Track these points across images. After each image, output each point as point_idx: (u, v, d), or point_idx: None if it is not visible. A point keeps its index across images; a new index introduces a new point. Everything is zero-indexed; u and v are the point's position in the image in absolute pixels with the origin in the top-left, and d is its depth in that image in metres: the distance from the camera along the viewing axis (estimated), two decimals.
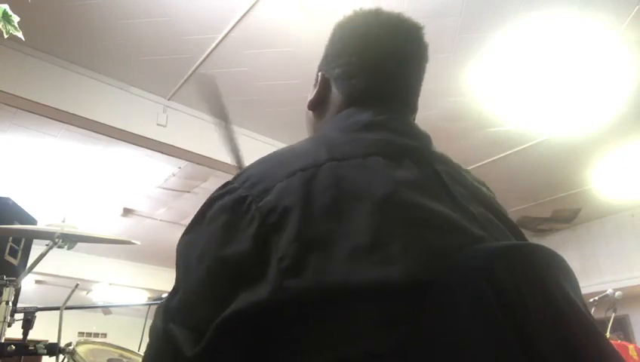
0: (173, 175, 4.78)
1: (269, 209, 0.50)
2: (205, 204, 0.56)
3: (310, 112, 0.78)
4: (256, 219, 0.49)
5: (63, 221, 1.76)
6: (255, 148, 4.05)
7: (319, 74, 0.76)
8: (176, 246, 0.56)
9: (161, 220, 5.87)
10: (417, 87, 0.74)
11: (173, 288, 0.53)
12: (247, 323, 0.45)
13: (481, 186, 0.66)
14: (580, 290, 0.53)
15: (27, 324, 1.70)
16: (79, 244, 1.78)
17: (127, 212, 5.64)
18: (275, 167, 0.55)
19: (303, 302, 0.45)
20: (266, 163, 0.58)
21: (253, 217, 0.50)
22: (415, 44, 0.73)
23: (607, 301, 3.43)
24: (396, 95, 0.71)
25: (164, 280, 7.28)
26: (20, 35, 1.75)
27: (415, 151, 0.61)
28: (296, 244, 0.47)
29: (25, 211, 2.37)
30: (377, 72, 0.70)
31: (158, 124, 3.60)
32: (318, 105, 0.75)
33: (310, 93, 0.77)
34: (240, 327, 0.45)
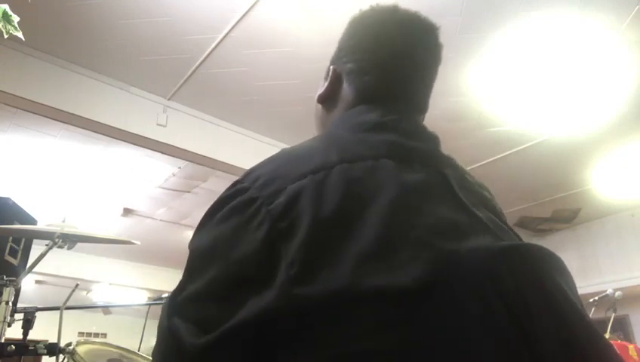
0: (173, 175, 4.78)
1: (279, 212, 0.49)
2: (215, 203, 0.55)
3: (319, 106, 0.77)
4: (266, 223, 0.49)
5: (63, 221, 1.76)
6: (255, 148, 4.05)
7: (331, 67, 0.75)
8: (188, 245, 0.56)
9: (161, 220, 5.86)
10: (429, 88, 0.74)
11: (179, 285, 0.53)
12: (255, 329, 0.45)
13: (483, 191, 0.66)
14: (577, 291, 0.53)
15: (27, 324, 1.70)
16: (79, 244, 1.78)
17: (127, 212, 5.65)
18: (286, 167, 0.55)
19: (311, 308, 0.45)
20: (276, 162, 0.57)
21: (263, 220, 0.49)
22: (429, 45, 0.73)
23: (607, 301, 3.43)
24: (407, 95, 0.70)
25: (164, 280, 7.28)
26: (20, 35, 1.75)
27: (424, 155, 0.61)
28: (305, 251, 0.47)
29: (25, 211, 2.36)
30: (389, 71, 0.70)
31: (158, 124, 3.60)
32: (327, 98, 0.75)
33: (320, 87, 0.76)
34: (247, 333, 0.45)
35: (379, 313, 0.45)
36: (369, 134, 0.62)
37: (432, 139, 0.66)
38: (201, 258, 0.52)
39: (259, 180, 0.53)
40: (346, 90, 0.72)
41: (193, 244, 0.55)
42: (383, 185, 0.53)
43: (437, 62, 0.74)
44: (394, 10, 0.73)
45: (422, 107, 0.73)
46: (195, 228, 0.57)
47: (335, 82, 0.73)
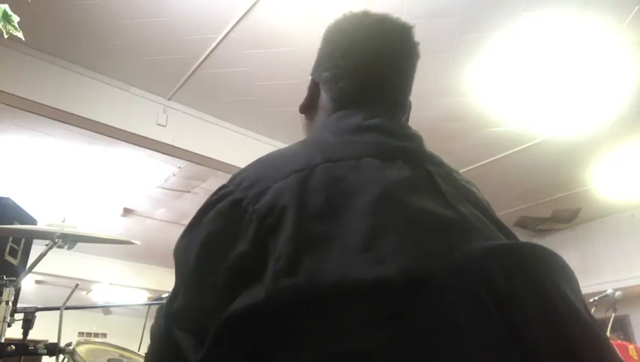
0: (173, 175, 4.78)
1: (265, 211, 0.50)
2: (202, 208, 0.56)
3: (302, 115, 0.80)
4: (254, 222, 0.50)
5: (63, 221, 1.76)
6: (255, 148, 4.05)
7: (310, 78, 0.78)
8: (173, 250, 0.56)
9: (161, 220, 5.86)
10: (406, 86, 0.74)
11: (173, 291, 0.54)
12: (246, 324, 0.46)
13: (471, 187, 0.67)
14: (580, 290, 0.53)
15: (27, 324, 1.70)
16: (79, 244, 1.78)
17: (127, 212, 5.64)
18: (270, 168, 0.56)
19: (299, 300, 0.45)
20: (259, 165, 0.58)
21: (250, 220, 0.50)
22: (401, 44, 0.73)
23: (607, 301, 3.43)
24: (384, 96, 0.71)
25: (164, 280, 7.29)
26: (20, 35, 1.75)
27: (408, 152, 0.62)
28: (291, 244, 0.47)
29: (25, 211, 2.36)
30: (363, 75, 0.71)
31: (158, 124, 3.60)
32: (308, 108, 0.77)
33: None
34: (239, 328, 0.46)
35: (365, 307, 0.45)
36: (352, 136, 0.63)
37: (416, 138, 0.67)
38: (191, 262, 0.53)
39: (243, 183, 0.54)
40: (324, 98, 0.74)
41: (183, 249, 0.55)
42: (367, 182, 0.53)
43: (412, 60, 0.74)
44: (364, 15, 0.74)
45: (402, 105, 0.73)
46: (181, 232, 0.57)
47: (313, 91, 0.76)
